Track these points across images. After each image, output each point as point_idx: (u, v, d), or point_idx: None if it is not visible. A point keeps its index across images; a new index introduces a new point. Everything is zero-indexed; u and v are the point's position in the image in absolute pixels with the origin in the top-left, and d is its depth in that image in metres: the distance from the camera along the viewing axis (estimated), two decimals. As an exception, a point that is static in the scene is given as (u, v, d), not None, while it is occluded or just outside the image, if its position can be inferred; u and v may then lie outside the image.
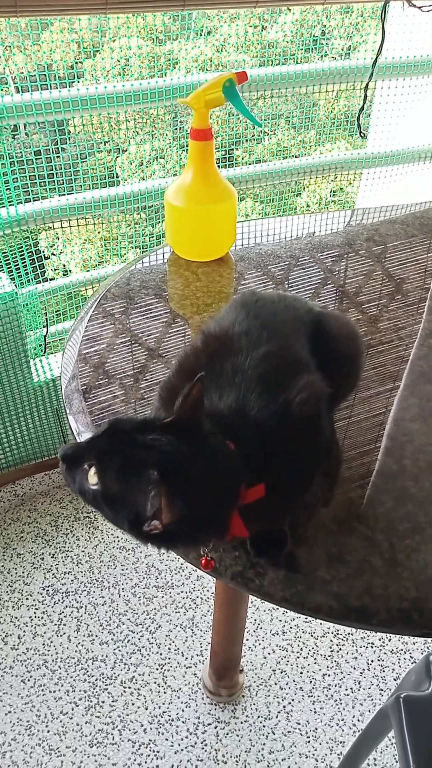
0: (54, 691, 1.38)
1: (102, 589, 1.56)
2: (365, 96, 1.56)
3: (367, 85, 1.57)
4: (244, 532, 0.55)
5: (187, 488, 0.50)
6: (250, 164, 1.74)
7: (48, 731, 1.31)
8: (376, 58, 1.52)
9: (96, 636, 1.47)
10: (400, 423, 0.79)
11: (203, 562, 0.59)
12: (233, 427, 0.56)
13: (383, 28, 1.47)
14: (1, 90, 1.44)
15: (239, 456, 0.54)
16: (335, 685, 1.39)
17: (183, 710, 1.35)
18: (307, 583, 0.61)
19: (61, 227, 1.49)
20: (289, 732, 1.32)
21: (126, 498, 0.50)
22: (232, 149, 1.76)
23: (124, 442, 0.51)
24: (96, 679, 1.40)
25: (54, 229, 1.49)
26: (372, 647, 1.46)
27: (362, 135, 1.63)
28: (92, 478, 0.51)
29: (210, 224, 1.07)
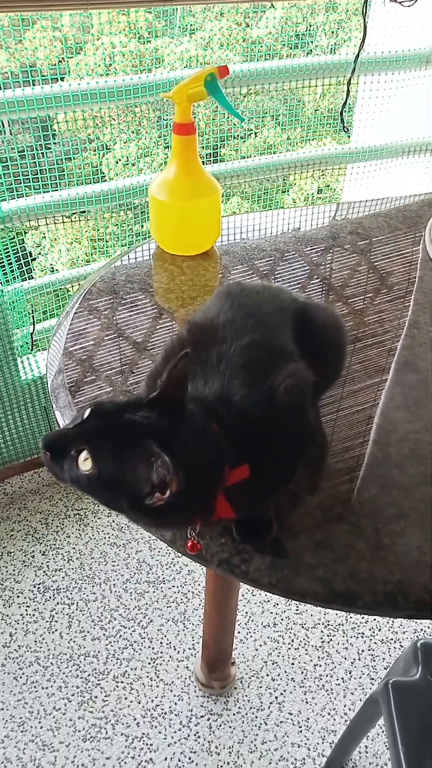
0: (46, 688, 1.38)
1: (93, 586, 1.57)
2: (348, 91, 1.57)
3: (350, 80, 1.58)
4: (229, 513, 0.55)
5: (183, 460, 0.49)
6: (235, 160, 1.74)
7: (41, 727, 1.32)
8: (358, 54, 1.54)
9: (88, 632, 1.48)
10: (385, 412, 0.80)
11: (189, 545, 0.59)
12: (217, 412, 0.56)
13: (365, 23, 1.48)
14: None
15: (223, 436, 0.54)
16: (326, 676, 1.40)
17: (176, 703, 1.35)
18: (292, 569, 0.61)
19: (46, 224, 1.49)
20: (281, 722, 1.33)
21: (124, 476, 0.50)
22: (219, 147, 1.76)
23: (113, 423, 0.51)
24: (88, 675, 1.40)
25: (39, 227, 1.49)
26: (362, 637, 1.47)
27: (345, 129, 1.65)
28: (84, 464, 0.50)
29: (194, 218, 1.07)
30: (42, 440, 0.53)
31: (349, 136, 1.88)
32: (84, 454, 0.51)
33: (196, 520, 0.57)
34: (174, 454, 0.48)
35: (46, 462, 0.53)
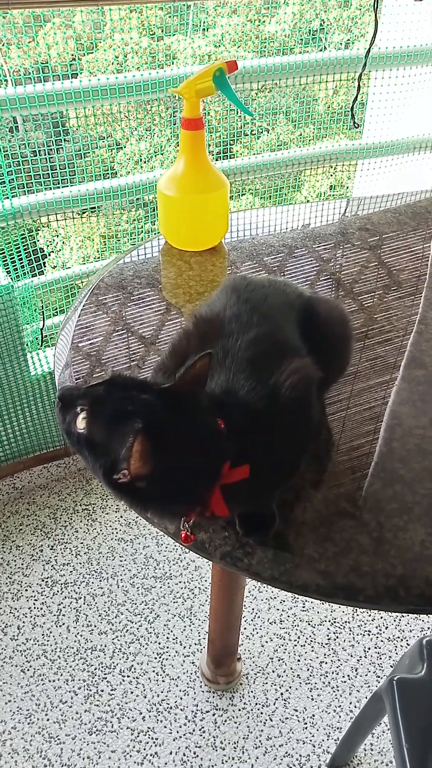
0: (53, 681, 1.39)
1: (101, 580, 1.57)
2: (358, 86, 1.57)
3: (361, 75, 1.57)
4: (224, 511, 0.56)
5: (166, 449, 0.51)
6: (245, 156, 1.74)
7: (48, 720, 1.33)
8: (369, 49, 1.53)
9: (95, 626, 1.48)
10: (391, 407, 0.80)
11: (183, 536, 0.60)
12: (223, 405, 0.56)
13: (376, 18, 1.47)
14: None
15: (227, 435, 0.55)
16: (332, 673, 1.40)
17: (181, 698, 1.36)
18: (295, 562, 0.61)
19: (56, 220, 1.49)
20: (286, 718, 1.33)
21: (107, 445, 0.52)
22: (231, 144, 1.76)
23: (119, 395, 0.53)
24: (95, 669, 1.41)
25: (50, 223, 1.50)
26: (369, 635, 1.47)
27: (356, 125, 1.64)
28: (81, 422, 0.53)
29: (202, 213, 1.07)
30: (59, 389, 0.56)
31: (360, 133, 1.87)
32: (83, 414, 0.53)
33: (189, 513, 0.58)
34: (157, 441, 0.50)
35: (56, 409, 0.57)
